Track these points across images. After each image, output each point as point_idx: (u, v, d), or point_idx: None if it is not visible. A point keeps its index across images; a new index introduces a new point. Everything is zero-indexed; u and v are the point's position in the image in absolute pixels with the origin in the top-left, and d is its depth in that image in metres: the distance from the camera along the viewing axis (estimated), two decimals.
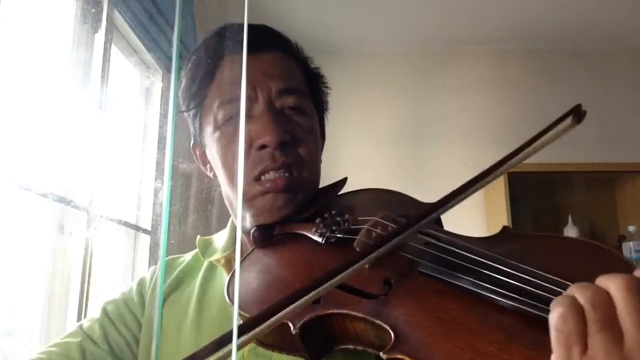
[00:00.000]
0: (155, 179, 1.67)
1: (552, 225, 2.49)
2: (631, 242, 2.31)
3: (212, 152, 0.68)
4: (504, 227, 0.52)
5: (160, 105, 1.79)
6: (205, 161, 0.72)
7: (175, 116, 0.70)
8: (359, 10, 2.44)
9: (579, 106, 0.48)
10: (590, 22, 2.57)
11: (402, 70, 2.79)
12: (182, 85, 0.70)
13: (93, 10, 1.42)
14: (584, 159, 2.44)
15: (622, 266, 0.42)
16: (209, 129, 0.67)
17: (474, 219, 2.54)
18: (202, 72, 0.67)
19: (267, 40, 0.67)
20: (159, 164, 1.66)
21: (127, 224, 1.61)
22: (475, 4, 2.41)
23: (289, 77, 0.67)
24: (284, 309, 0.37)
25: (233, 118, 0.64)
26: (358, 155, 2.63)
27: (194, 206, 1.66)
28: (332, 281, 0.39)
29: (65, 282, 1.26)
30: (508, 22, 2.57)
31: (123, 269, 1.66)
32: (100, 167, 1.35)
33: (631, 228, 2.34)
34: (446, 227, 0.61)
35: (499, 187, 2.29)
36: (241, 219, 0.64)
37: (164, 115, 1.72)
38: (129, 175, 1.68)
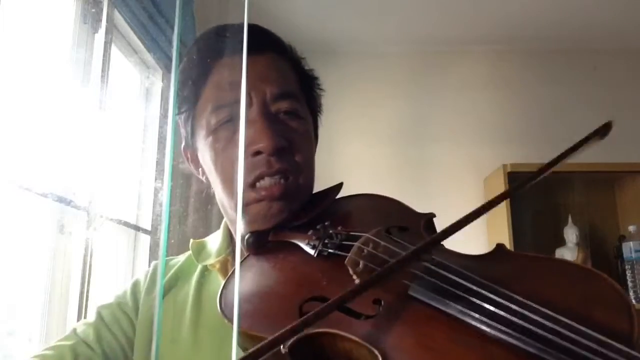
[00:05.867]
0: (155, 179, 1.66)
1: (552, 225, 2.49)
2: (631, 242, 2.31)
3: (205, 156, 0.66)
4: (498, 246, 0.51)
5: (160, 105, 1.79)
6: (197, 165, 0.71)
7: (175, 116, 0.69)
8: (358, 10, 2.44)
9: (608, 124, 0.47)
10: (590, 22, 2.56)
11: (401, 70, 2.78)
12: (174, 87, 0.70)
13: (93, 10, 1.42)
14: (584, 159, 2.42)
15: (616, 295, 0.41)
16: (202, 133, 0.65)
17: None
18: (195, 75, 0.66)
19: (260, 42, 0.65)
20: (159, 164, 1.66)
21: (127, 224, 1.61)
22: (474, 3, 2.41)
23: (284, 81, 0.66)
24: (277, 344, 0.37)
25: (227, 123, 0.63)
26: (357, 156, 2.63)
27: (194, 206, 1.65)
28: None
29: (65, 282, 1.26)
30: (507, 22, 2.57)
31: (123, 269, 1.66)
32: (100, 167, 1.35)
33: (631, 228, 2.33)
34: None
35: (498, 187, 2.29)
36: (240, 225, 0.64)
37: (164, 115, 1.72)
38: (129, 175, 1.68)
